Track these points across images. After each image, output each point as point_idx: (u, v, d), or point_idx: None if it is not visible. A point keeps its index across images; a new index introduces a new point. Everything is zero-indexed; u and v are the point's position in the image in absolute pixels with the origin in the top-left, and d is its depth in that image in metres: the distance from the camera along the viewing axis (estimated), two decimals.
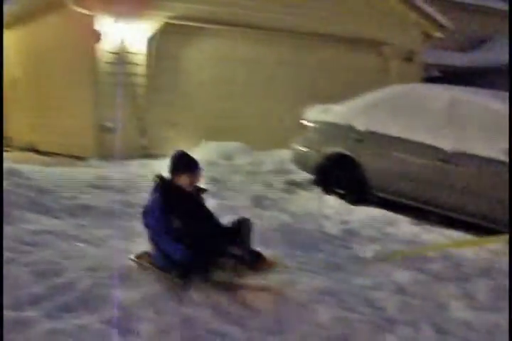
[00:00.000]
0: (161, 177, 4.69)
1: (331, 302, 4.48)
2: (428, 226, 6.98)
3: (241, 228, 4.63)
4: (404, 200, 7.48)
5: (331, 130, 8.30)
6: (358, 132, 7.88)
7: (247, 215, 6.51)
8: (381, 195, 7.72)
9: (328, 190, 8.13)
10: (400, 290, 4.95)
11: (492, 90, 8.45)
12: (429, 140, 7.19)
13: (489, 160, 6.64)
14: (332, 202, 7.75)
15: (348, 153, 7.92)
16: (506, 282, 5.07)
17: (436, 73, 16.35)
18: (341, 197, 7.89)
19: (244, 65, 11.89)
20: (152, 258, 4.62)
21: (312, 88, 12.15)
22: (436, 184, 7.09)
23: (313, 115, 8.67)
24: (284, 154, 9.44)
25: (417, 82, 12.01)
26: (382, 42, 13.38)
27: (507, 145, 6.48)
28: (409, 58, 13.86)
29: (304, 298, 4.47)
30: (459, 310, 4.61)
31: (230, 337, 3.82)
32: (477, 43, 20.12)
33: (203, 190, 4.84)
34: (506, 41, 18.75)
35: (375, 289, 4.91)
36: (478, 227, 6.80)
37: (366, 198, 7.79)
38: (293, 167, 8.90)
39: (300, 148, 8.66)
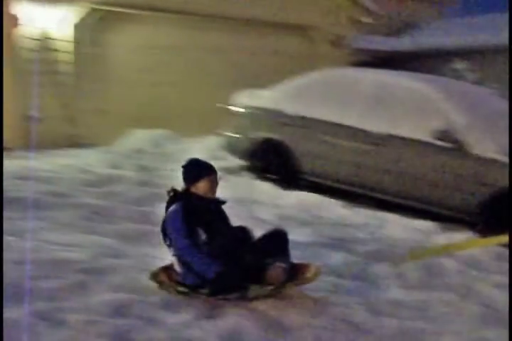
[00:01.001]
0: (175, 190, 4.43)
1: None
2: (360, 209, 7.06)
3: (277, 240, 4.38)
4: (335, 184, 7.53)
5: (260, 115, 8.27)
6: (288, 117, 7.87)
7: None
8: (313, 179, 7.75)
9: (260, 175, 8.11)
10: (332, 271, 4.98)
11: (419, 73, 8.59)
12: (357, 123, 7.24)
13: (417, 142, 6.75)
14: (264, 188, 7.74)
15: (278, 137, 7.92)
16: (436, 261, 5.18)
17: (366, 58, 16.48)
18: (273, 182, 7.88)
19: (173, 52, 11.70)
20: (178, 276, 4.30)
21: (241, 73, 12.06)
22: (366, 167, 7.16)
23: (242, 100, 8.62)
24: (214, 141, 9.37)
25: (345, 67, 12.06)
26: (309, 26, 13.40)
27: (433, 127, 6.60)
28: (337, 43, 13.93)
29: None
30: (390, 290, 4.68)
31: None
32: (407, 28, 20.41)
33: (222, 202, 4.57)
34: (435, 26, 19.13)
35: None
36: (411, 209, 6.91)
37: (298, 183, 7.81)
38: (223, 153, 8.84)
39: (230, 134, 8.61)
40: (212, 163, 8.64)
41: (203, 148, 9.77)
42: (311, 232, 6.13)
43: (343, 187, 7.47)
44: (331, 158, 7.48)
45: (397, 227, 6.10)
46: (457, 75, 14.07)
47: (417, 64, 15.90)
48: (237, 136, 8.46)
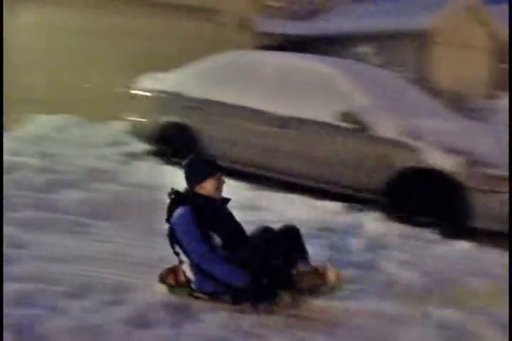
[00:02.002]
0: (177, 192, 4.15)
1: None
2: (267, 192, 7.07)
3: (292, 238, 4.08)
4: (242, 167, 7.51)
5: (165, 98, 8.16)
6: (193, 100, 7.80)
7: (81, 189, 6.44)
8: (220, 162, 7.67)
9: (166, 160, 8.00)
10: None
11: (323, 56, 8.66)
12: (262, 106, 7.24)
13: (321, 124, 6.80)
14: (170, 172, 7.63)
15: (183, 121, 7.83)
16: (342, 241, 5.25)
17: (273, 42, 16.54)
18: (179, 166, 7.76)
19: (78, 35, 11.39)
20: (193, 284, 3.99)
21: (147, 57, 11.86)
22: (271, 149, 7.18)
23: (147, 84, 8.48)
24: (120, 125, 9.18)
25: (251, 50, 12.05)
26: (216, 9, 13.30)
27: (337, 109, 6.66)
28: (244, 26, 13.89)
29: None
30: None
31: None
32: (315, 12, 20.59)
33: (227, 200, 4.29)
34: (342, 10, 19.37)
35: None
36: (318, 191, 6.97)
37: None
38: (129, 138, 8.68)
39: (135, 118, 8.46)
40: (117, 147, 8.62)
41: (108, 132, 9.57)
42: None
43: (250, 170, 7.46)
44: (237, 141, 7.46)
45: (304, 209, 6.14)
46: (363, 59, 14.31)
47: (324, 48, 16.12)
48: (143, 120, 8.32)
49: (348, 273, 4.65)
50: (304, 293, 3.86)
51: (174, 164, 7.83)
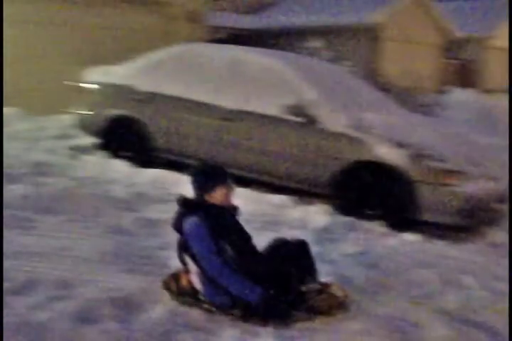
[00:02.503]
0: (185, 199, 4.01)
1: (120, 264, 4.53)
2: None
3: (303, 255, 4.00)
4: (191, 161, 7.45)
5: (113, 92, 8.04)
6: (141, 93, 7.70)
7: (27, 183, 6.33)
8: (168, 156, 7.65)
9: (115, 153, 7.90)
10: None
11: (272, 50, 8.67)
12: (211, 99, 7.20)
13: (269, 117, 6.80)
14: (119, 166, 7.56)
15: (132, 114, 7.73)
16: (289, 233, 5.25)
17: (222, 35, 16.50)
18: (128, 160, 7.70)
19: (24, 27, 11.18)
20: (202, 295, 3.89)
21: (97, 50, 11.71)
22: (220, 143, 7.14)
23: (96, 77, 8.34)
24: (67, 119, 9.05)
25: (199, 43, 11.98)
26: (165, 2, 13.20)
27: (285, 102, 6.67)
28: (193, 20, 13.82)
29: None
30: None
31: None
32: (265, 6, 20.61)
33: (236, 209, 4.15)
34: (293, 4, 19.42)
35: (163, 249, 4.92)
36: (265, 184, 6.98)
37: (153, 160, 7.69)
38: (77, 131, 8.55)
39: (83, 111, 8.33)
40: (65, 141, 8.51)
41: (55, 126, 9.44)
42: (166, 209, 5.99)
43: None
44: (186, 135, 7.40)
45: (251, 202, 6.13)
46: (312, 53, 14.37)
47: (274, 41, 16.15)
48: (90, 113, 8.19)
49: None
50: (315, 311, 3.82)
51: (122, 158, 7.76)
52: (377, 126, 6.40)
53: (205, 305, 3.86)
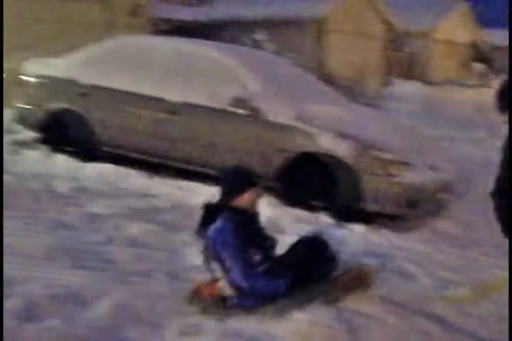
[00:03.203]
0: (210, 205, 3.94)
1: (64, 260, 4.44)
2: (159, 179, 7.01)
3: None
4: (134, 154, 7.37)
5: (54, 85, 7.84)
6: (83, 86, 7.55)
7: None
8: (111, 150, 7.52)
9: (56, 148, 7.73)
10: (133, 242, 4.99)
11: (215, 42, 8.61)
12: (154, 92, 7.11)
13: (214, 110, 6.76)
14: (61, 161, 7.42)
15: (73, 108, 7.57)
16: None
17: (166, 27, 16.35)
18: (70, 154, 7.55)
19: None
20: (232, 300, 3.81)
21: (36, 42, 11.47)
22: (164, 136, 7.07)
23: (36, 69, 8.15)
24: (8, 113, 8.82)
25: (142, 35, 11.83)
26: None
27: (229, 94, 6.64)
28: (136, 12, 13.65)
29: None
30: (191, 257, 4.67)
31: None
32: None
33: (257, 214, 4.10)
34: None
35: (107, 244, 4.90)
36: (211, 177, 6.93)
37: (96, 154, 7.55)
38: (16, 126, 8.33)
39: (22, 105, 8.12)
40: (6, 136, 8.30)
41: None
42: (111, 204, 6.01)
43: (143, 157, 7.32)
44: (129, 128, 7.29)
45: (196, 195, 6.09)
46: (257, 45, 14.37)
47: (219, 34, 16.08)
48: (30, 107, 8.00)
49: None
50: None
51: (65, 152, 7.61)
52: (322, 118, 6.42)
53: (235, 311, 3.79)
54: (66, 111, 7.62)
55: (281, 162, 6.35)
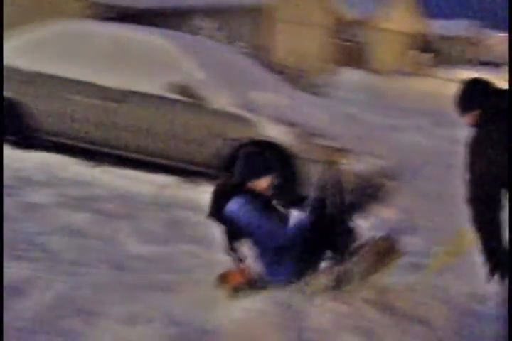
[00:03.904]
0: (225, 185, 3.86)
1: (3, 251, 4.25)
2: (103, 168, 6.91)
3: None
4: (76, 143, 7.25)
5: None
6: (23, 73, 7.35)
7: None
8: (53, 138, 7.38)
9: None
10: (75, 232, 4.93)
11: (158, 28, 8.53)
12: (95, 79, 6.99)
13: (156, 97, 6.70)
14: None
15: (13, 96, 7.38)
16: (175, 214, 5.25)
17: (108, 13, 16.09)
18: (10, 143, 7.36)
19: None
20: (264, 275, 3.77)
21: None
22: (106, 124, 6.98)
23: None
24: None
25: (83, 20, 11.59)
26: None
27: (172, 82, 6.59)
28: None
29: None
30: (132, 245, 4.64)
31: None
32: None
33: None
34: None
35: (48, 234, 4.82)
36: (154, 165, 6.88)
37: (37, 143, 7.40)
38: None
39: None
40: None
41: None
42: (51, 193, 5.92)
43: (85, 145, 7.21)
44: (71, 116, 7.15)
45: (138, 183, 6.07)
46: (202, 33, 14.26)
47: (161, 21, 15.88)
48: None
49: (185, 248, 4.67)
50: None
51: (4, 142, 7.43)
52: (265, 105, 6.43)
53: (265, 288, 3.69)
54: (5, 99, 7.43)
55: (224, 150, 6.33)
